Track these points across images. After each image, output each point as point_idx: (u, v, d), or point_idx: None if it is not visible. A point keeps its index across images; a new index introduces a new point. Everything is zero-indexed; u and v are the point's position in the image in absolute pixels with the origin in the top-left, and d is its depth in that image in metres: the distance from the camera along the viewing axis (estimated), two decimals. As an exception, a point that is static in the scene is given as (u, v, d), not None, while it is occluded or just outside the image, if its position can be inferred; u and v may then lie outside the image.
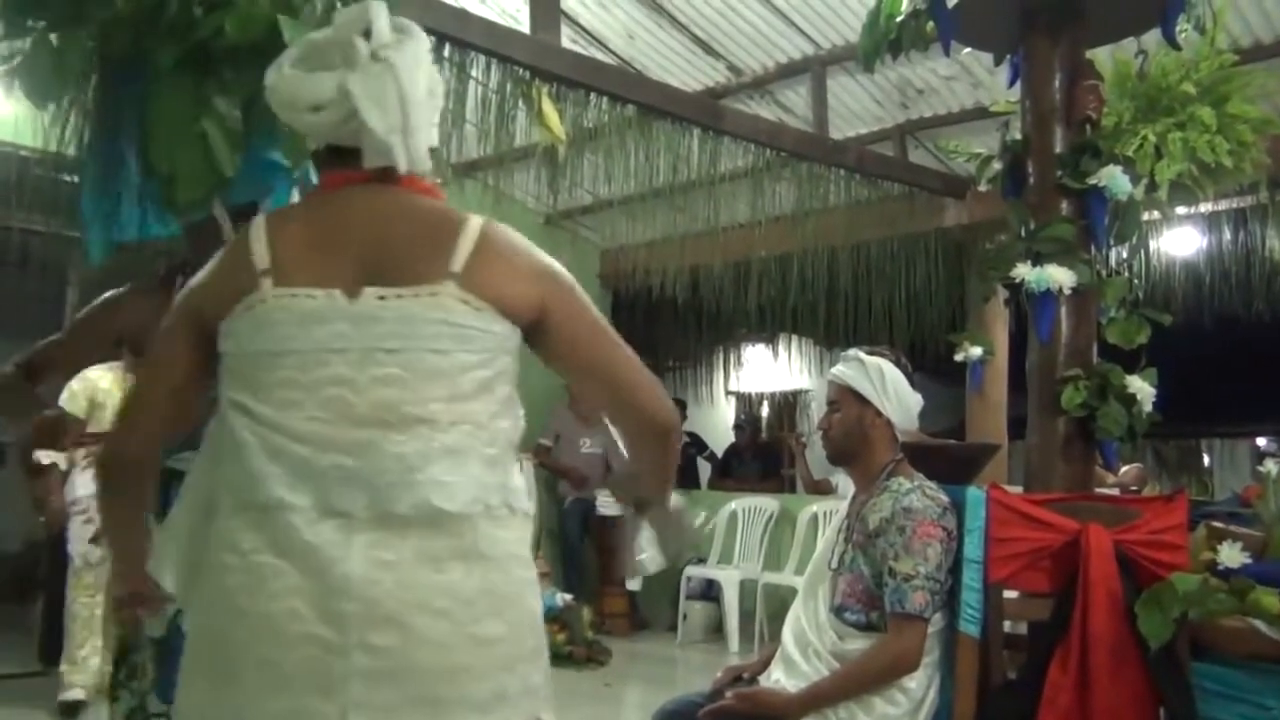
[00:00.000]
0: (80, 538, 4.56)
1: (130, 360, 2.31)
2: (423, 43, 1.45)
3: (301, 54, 1.43)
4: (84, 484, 4.73)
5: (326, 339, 1.33)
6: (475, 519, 1.33)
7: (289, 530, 1.28)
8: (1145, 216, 3.51)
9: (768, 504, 7.10)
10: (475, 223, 1.42)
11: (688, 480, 8.81)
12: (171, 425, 1.45)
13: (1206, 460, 12.74)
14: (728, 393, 11.79)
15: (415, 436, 1.31)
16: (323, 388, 1.32)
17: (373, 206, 1.42)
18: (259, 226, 1.41)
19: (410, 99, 1.39)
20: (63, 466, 4.65)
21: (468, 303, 1.36)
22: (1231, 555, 2.33)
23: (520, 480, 1.43)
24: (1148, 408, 2.90)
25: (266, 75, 1.45)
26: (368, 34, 1.40)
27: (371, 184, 1.43)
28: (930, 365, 5.75)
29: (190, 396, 1.44)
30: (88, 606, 4.68)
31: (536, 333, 1.44)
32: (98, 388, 4.94)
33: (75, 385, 4.92)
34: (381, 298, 1.34)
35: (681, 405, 9.45)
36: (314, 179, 2.19)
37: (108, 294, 2.23)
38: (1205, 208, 5.72)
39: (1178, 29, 3.07)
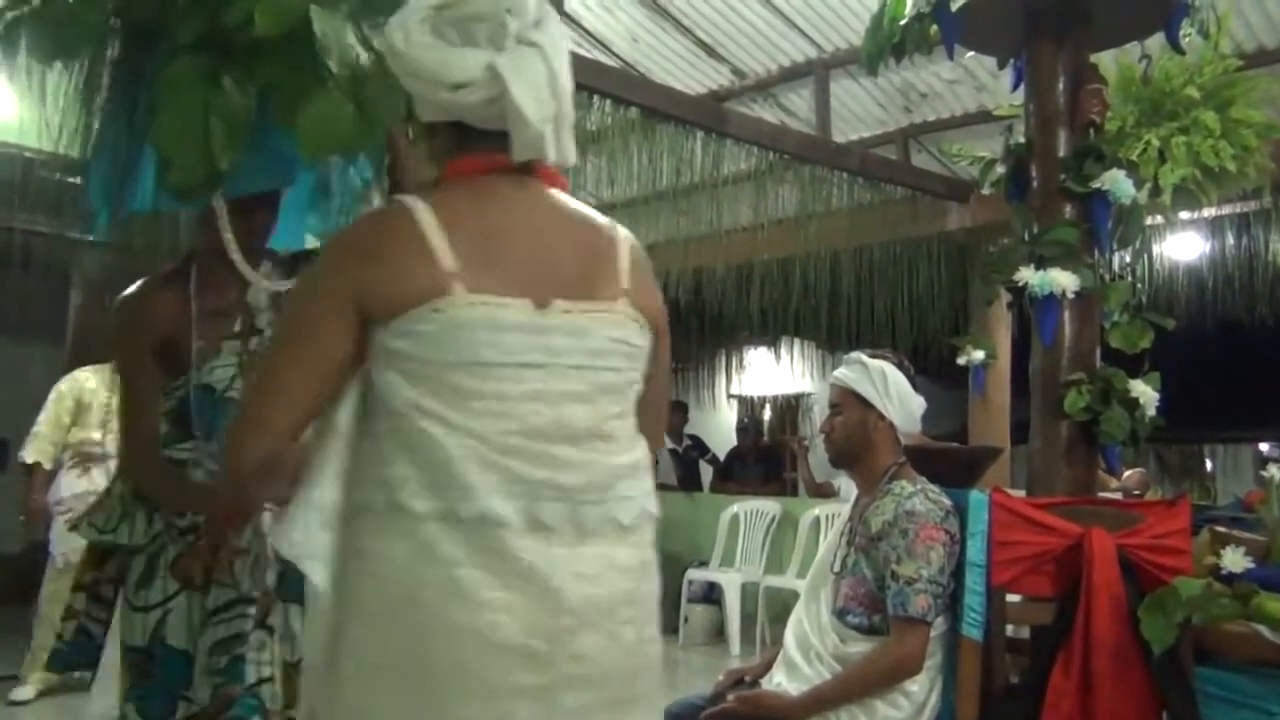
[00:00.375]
0: (65, 538, 4.54)
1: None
2: (560, 25, 1.39)
3: (436, 24, 1.33)
4: (69, 484, 4.73)
5: (520, 351, 1.28)
6: (643, 529, 1.37)
7: (499, 544, 1.24)
8: (1148, 221, 3.51)
9: (770, 507, 7.10)
10: (621, 233, 1.42)
11: (690, 483, 8.80)
12: (307, 421, 1.32)
13: (1209, 465, 12.72)
14: (730, 395, 11.79)
15: (601, 453, 1.33)
16: (520, 401, 1.28)
17: (533, 207, 1.37)
18: (427, 217, 1.30)
19: (562, 87, 1.35)
20: (46, 466, 4.64)
21: (636, 320, 1.38)
22: (1235, 560, 2.33)
23: None
24: (1151, 412, 2.90)
25: (388, 37, 1.36)
26: (509, 12, 1.33)
27: (518, 176, 1.36)
28: (933, 368, 5.74)
29: (338, 386, 1.32)
30: (58, 606, 4.69)
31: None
32: (84, 388, 4.94)
33: (63, 386, 4.92)
34: (566, 311, 1.31)
35: (683, 408, 9.45)
36: (355, 176, 2.10)
37: (118, 306, 2.12)
38: (1208, 212, 5.72)
39: (1182, 33, 3.07)
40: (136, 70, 1.88)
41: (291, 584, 1.96)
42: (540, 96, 1.31)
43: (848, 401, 2.55)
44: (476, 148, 1.36)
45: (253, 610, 1.96)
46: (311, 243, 2.23)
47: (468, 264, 1.28)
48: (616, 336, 1.35)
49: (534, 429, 1.28)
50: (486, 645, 1.22)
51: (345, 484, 1.31)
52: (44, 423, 4.79)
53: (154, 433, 2.05)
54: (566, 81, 1.35)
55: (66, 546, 4.53)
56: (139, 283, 2.12)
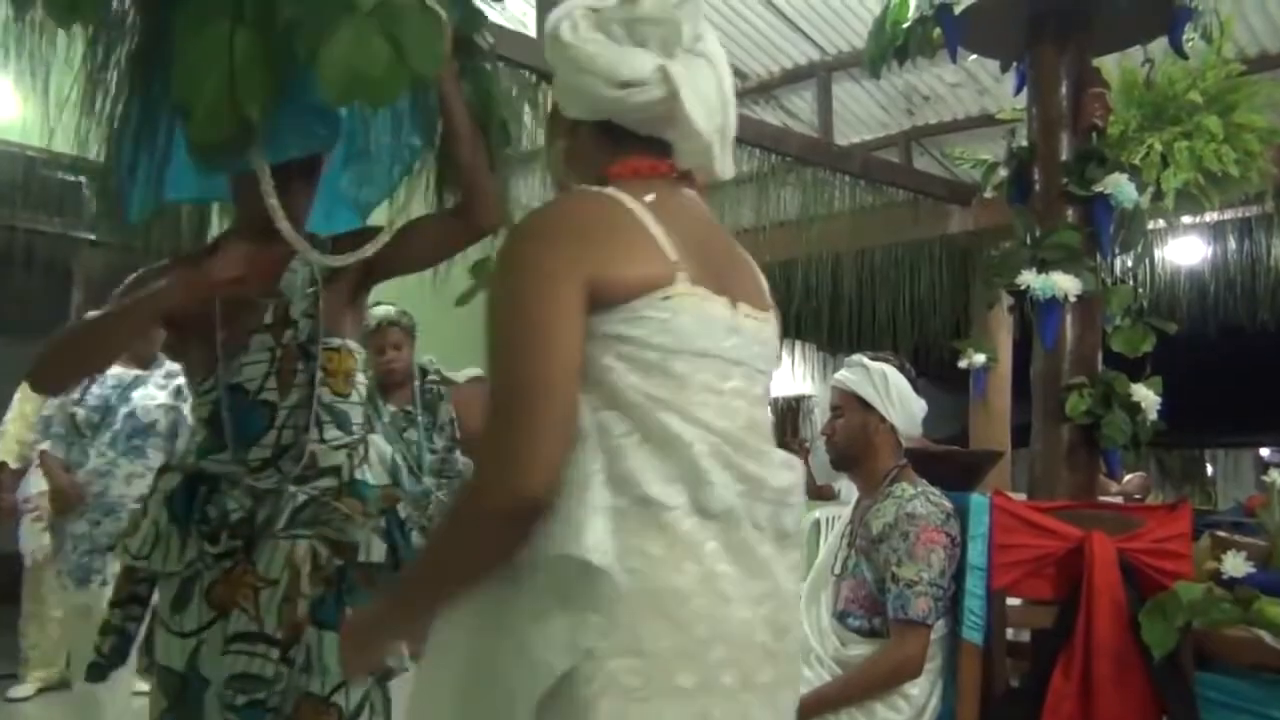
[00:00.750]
0: (31, 535, 4.53)
1: (172, 341, 2.04)
2: (717, 40, 1.37)
3: (600, 21, 1.30)
4: (36, 483, 4.67)
5: (729, 349, 1.26)
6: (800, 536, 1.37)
7: (744, 540, 1.22)
8: (1150, 225, 3.51)
9: (770, 510, 7.08)
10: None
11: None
12: (570, 433, 1.16)
13: (1210, 470, 12.72)
14: (731, 398, 11.77)
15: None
16: (730, 398, 1.26)
17: (701, 213, 1.35)
18: (636, 204, 1.25)
19: (728, 99, 1.34)
20: (13, 465, 4.58)
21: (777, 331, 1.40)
22: (1236, 565, 2.33)
23: None
24: (1152, 416, 2.90)
25: (552, 25, 1.32)
26: (681, 20, 1.31)
27: (680, 184, 1.34)
28: (934, 372, 5.73)
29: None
30: (40, 605, 4.70)
31: None
32: None
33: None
34: (749, 316, 1.31)
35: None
36: (404, 146, 1.97)
37: (140, 273, 1.95)
38: (1210, 217, 5.71)
39: (1185, 38, 3.08)
40: (156, 38, 1.74)
41: (325, 609, 1.86)
42: (710, 106, 1.30)
43: (849, 404, 2.55)
44: (629, 151, 1.32)
45: (275, 653, 1.81)
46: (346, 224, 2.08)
47: (683, 255, 1.24)
48: (773, 344, 1.37)
49: (749, 425, 1.27)
50: (745, 644, 1.21)
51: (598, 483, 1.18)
52: (10, 421, 4.72)
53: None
54: (732, 95, 1.35)
55: (34, 544, 4.53)
56: (154, 266, 1.95)
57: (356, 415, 1.99)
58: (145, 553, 1.87)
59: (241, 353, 1.88)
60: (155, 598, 1.96)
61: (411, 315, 3.47)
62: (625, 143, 1.32)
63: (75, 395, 3.68)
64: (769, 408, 1.36)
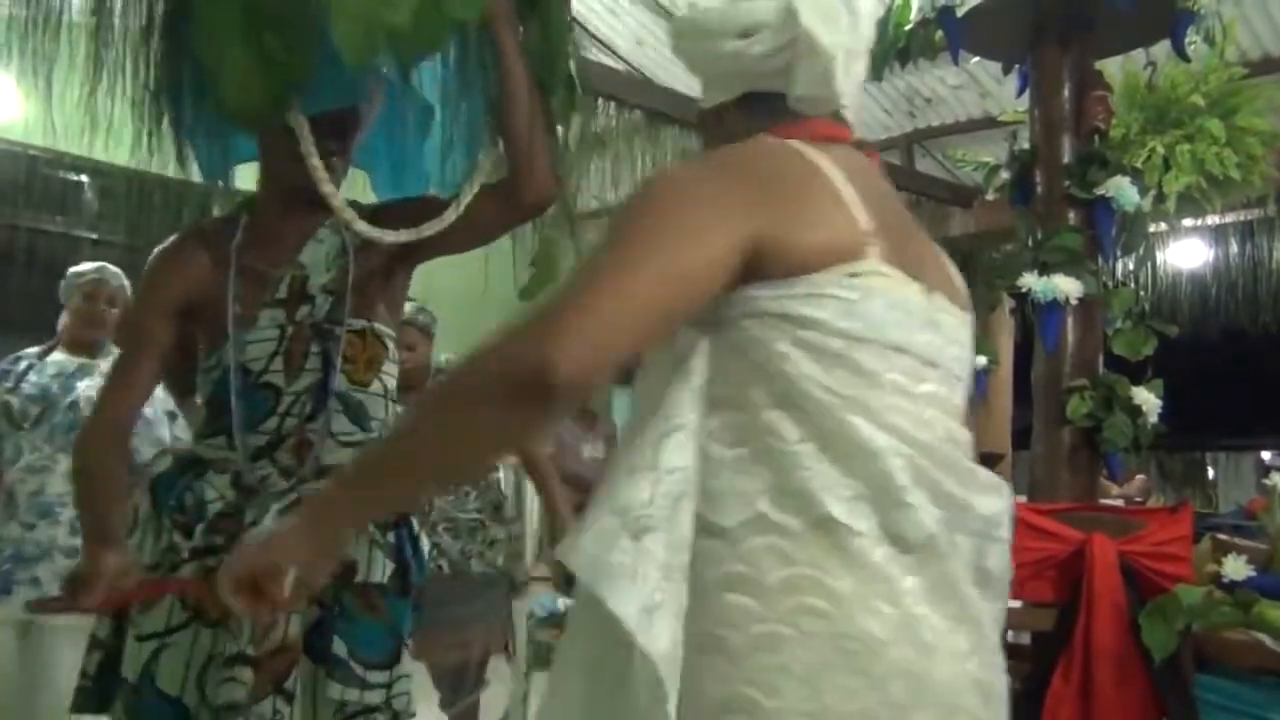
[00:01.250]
0: None
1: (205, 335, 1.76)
2: None
3: None
4: None
5: (924, 345, 1.04)
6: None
7: (947, 578, 0.98)
8: (1152, 228, 3.51)
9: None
10: None
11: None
12: (628, 356, 0.95)
13: (1211, 473, 12.70)
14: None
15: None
16: (925, 405, 1.03)
17: (884, 184, 1.14)
18: (819, 156, 1.05)
19: (862, 10, 1.14)
20: None
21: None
22: (1236, 568, 2.32)
23: None
24: (1153, 419, 2.90)
25: (676, 20, 1.21)
26: None
27: (855, 150, 1.14)
28: (935, 374, 5.73)
29: (662, 337, 0.99)
30: None
31: None
32: None
33: None
34: (944, 310, 1.09)
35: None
36: (467, 110, 1.69)
37: (153, 259, 1.77)
38: (1212, 220, 5.71)
39: (1187, 41, 3.08)
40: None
41: (318, 638, 1.57)
42: (836, 24, 1.12)
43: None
44: (783, 121, 1.13)
45: (248, 674, 1.50)
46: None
47: (878, 227, 1.03)
48: (971, 355, 1.13)
49: (948, 438, 1.04)
50: (949, 709, 0.97)
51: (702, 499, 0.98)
52: None
53: (125, 415, 1.70)
54: (867, 10, 1.16)
55: None
56: (173, 237, 1.78)
57: (376, 409, 1.71)
58: (135, 542, 1.64)
59: (249, 327, 1.66)
60: None
61: (431, 313, 3.25)
62: (777, 113, 1.14)
63: (9, 383, 3.22)
64: (966, 424, 1.12)
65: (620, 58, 5.96)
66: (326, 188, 1.60)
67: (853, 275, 0.99)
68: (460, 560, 3.16)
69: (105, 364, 3.24)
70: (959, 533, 1.00)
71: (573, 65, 1.79)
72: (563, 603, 6.27)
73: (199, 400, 1.77)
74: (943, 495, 0.99)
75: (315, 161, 1.58)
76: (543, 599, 7.00)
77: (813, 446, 0.96)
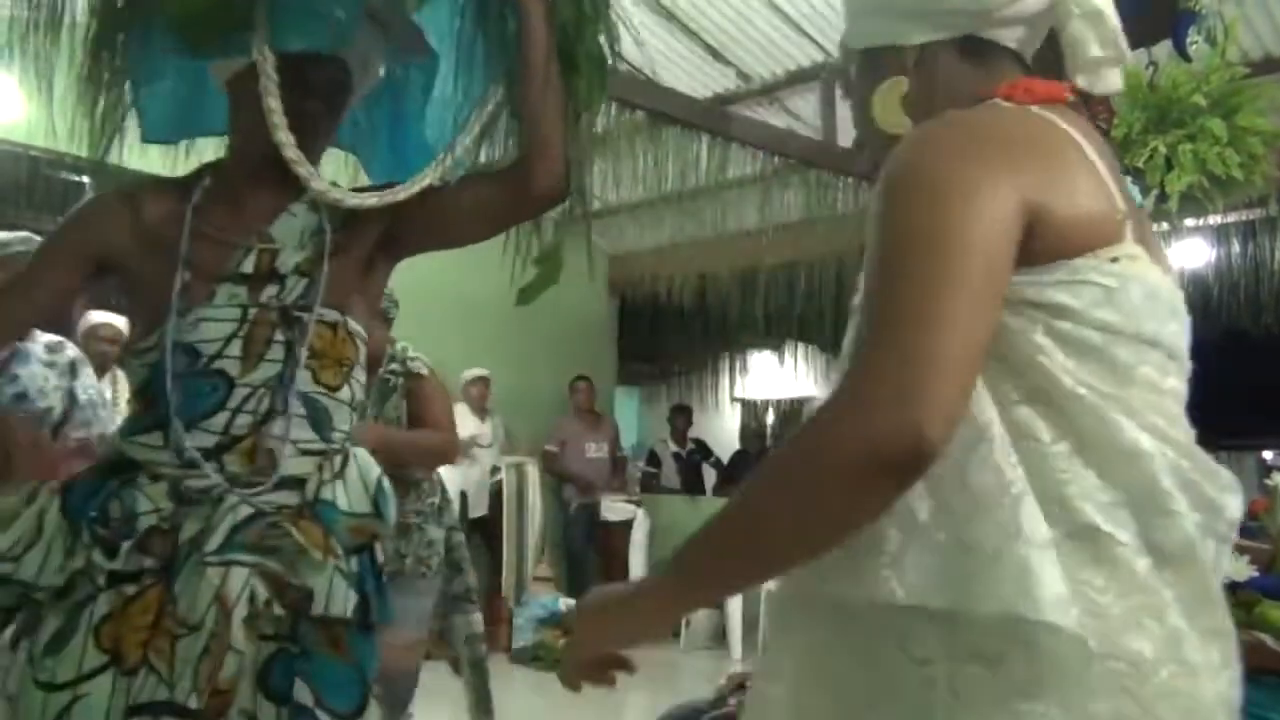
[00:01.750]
0: None
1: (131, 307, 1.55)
2: None
3: None
4: None
5: (1171, 336, 0.97)
6: None
7: (1205, 588, 0.92)
8: (1154, 228, 3.50)
9: (772, 511, 7.08)
10: None
11: (693, 487, 8.81)
12: (972, 384, 0.86)
13: (1213, 473, 12.70)
14: (734, 399, 11.79)
15: None
16: (1171, 402, 0.96)
17: (1110, 150, 1.02)
18: (1066, 124, 0.97)
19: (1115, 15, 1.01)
20: None
21: None
22: (1238, 568, 2.32)
23: None
24: (1155, 419, 2.89)
25: None
26: None
27: (1066, 112, 1.01)
28: (937, 374, 5.73)
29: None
30: None
31: None
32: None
33: None
34: (1179, 295, 1.01)
35: (687, 412, 9.46)
36: (473, 79, 1.52)
37: (72, 211, 1.56)
38: (1214, 220, 5.71)
39: (1189, 41, 3.07)
40: None
41: (276, 674, 1.36)
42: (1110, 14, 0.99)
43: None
44: (1002, 73, 1.03)
45: None
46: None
47: (1128, 204, 0.95)
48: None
49: (1190, 436, 0.97)
50: None
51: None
52: None
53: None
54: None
55: None
56: (94, 200, 1.57)
57: (341, 418, 1.49)
58: (16, 553, 1.36)
59: (203, 303, 1.42)
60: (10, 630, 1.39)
61: (393, 299, 3.06)
62: (998, 62, 1.03)
63: None
64: None
65: (620, 57, 5.95)
66: (281, 135, 1.39)
67: (1114, 259, 0.91)
68: (392, 557, 2.86)
69: (40, 349, 3.03)
70: (1210, 537, 0.94)
71: (604, 42, 1.60)
72: (563, 603, 6.29)
73: (129, 389, 1.58)
74: (1203, 499, 0.92)
75: (273, 103, 1.38)
76: (543, 599, 7.01)
77: (1065, 448, 0.89)
